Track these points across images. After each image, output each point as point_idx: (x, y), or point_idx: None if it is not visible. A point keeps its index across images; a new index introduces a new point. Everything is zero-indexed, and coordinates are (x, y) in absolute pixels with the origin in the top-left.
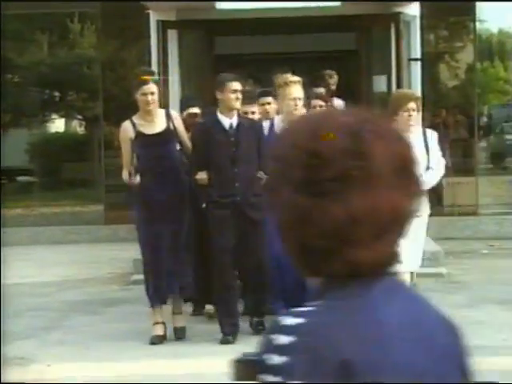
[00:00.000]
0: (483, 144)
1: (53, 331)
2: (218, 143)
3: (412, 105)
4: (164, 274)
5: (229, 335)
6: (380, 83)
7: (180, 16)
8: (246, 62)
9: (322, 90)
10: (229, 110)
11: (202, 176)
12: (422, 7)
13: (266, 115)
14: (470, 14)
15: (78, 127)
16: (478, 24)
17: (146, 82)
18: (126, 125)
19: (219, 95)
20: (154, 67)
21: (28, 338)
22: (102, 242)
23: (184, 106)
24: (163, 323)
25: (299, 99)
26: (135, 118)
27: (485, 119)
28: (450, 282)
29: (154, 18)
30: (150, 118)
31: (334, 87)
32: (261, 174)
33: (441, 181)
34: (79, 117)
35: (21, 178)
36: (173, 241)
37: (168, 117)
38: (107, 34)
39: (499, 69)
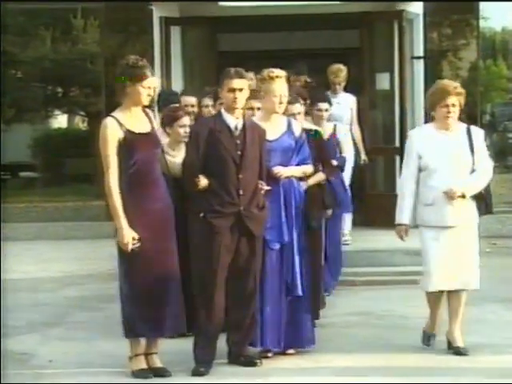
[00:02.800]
0: (486, 142)
1: (54, 327)
2: (222, 145)
3: (452, 99)
4: (152, 306)
5: (203, 368)
6: (383, 81)
7: (183, 13)
8: (249, 58)
9: (297, 84)
10: (228, 110)
11: (203, 181)
12: (425, 5)
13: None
14: (474, 12)
15: (81, 123)
16: (481, 22)
17: (148, 75)
18: (111, 123)
19: (220, 93)
20: (157, 63)
21: (30, 333)
22: (104, 238)
23: (164, 101)
24: (145, 354)
25: (284, 96)
26: (118, 115)
27: (488, 117)
28: None
29: (157, 14)
30: (136, 115)
31: (343, 83)
32: (261, 184)
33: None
34: (82, 112)
35: (23, 174)
36: (164, 262)
37: (148, 116)
38: (110, 30)
39: (502, 67)
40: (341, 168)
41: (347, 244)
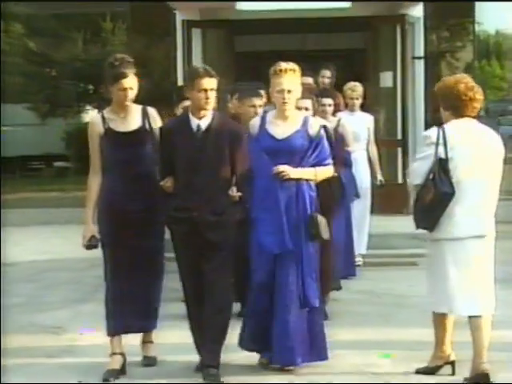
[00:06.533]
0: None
1: (86, 303)
2: (180, 146)
3: None
4: (129, 302)
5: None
6: (386, 79)
7: (203, 16)
8: (264, 59)
9: (309, 80)
10: (197, 110)
11: (166, 183)
12: (425, 9)
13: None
14: (470, 16)
15: None
16: (476, 26)
17: (124, 75)
18: (96, 119)
19: (188, 93)
20: (180, 63)
21: (63, 309)
22: None
23: (178, 97)
24: (121, 354)
25: (288, 91)
26: (106, 112)
27: (482, 113)
28: None
29: (179, 17)
30: (124, 113)
31: (360, 99)
32: (232, 191)
33: None
34: None
35: (57, 164)
36: (143, 261)
37: (144, 114)
38: (136, 33)
39: (495, 67)
40: (346, 163)
41: (358, 265)
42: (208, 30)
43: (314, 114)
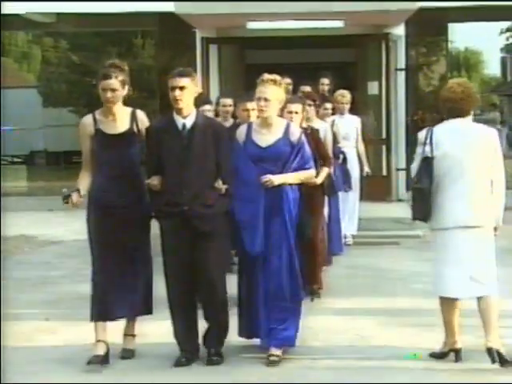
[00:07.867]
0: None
1: None
2: (168, 144)
3: None
4: (113, 291)
5: (183, 360)
6: (373, 88)
7: (219, 34)
8: (270, 70)
9: (308, 89)
10: (175, 110)
11: (153, 181)
12: (406, 29)
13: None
14: (444, 35)
15: None
16: (449, 43)
17: (107, 77)
18: (87, 120)
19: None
20: (199, 73)
21: None
22: None
23: (198, 106)
24: (105, 342)
25: (265, 99)
26: (97, 114)
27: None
28: (424, 242)
29: (199, 35)
30: (112, 115)
31: (349, 104)
32: (218, 184)
33: None
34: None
35: None
36: (127, 253)
37: (133, 117)
38: (163, 48)
39: (465, 78)
40: (337, 156)
41: (349, 244)
42: (223, 45)
43: (303, 118)
